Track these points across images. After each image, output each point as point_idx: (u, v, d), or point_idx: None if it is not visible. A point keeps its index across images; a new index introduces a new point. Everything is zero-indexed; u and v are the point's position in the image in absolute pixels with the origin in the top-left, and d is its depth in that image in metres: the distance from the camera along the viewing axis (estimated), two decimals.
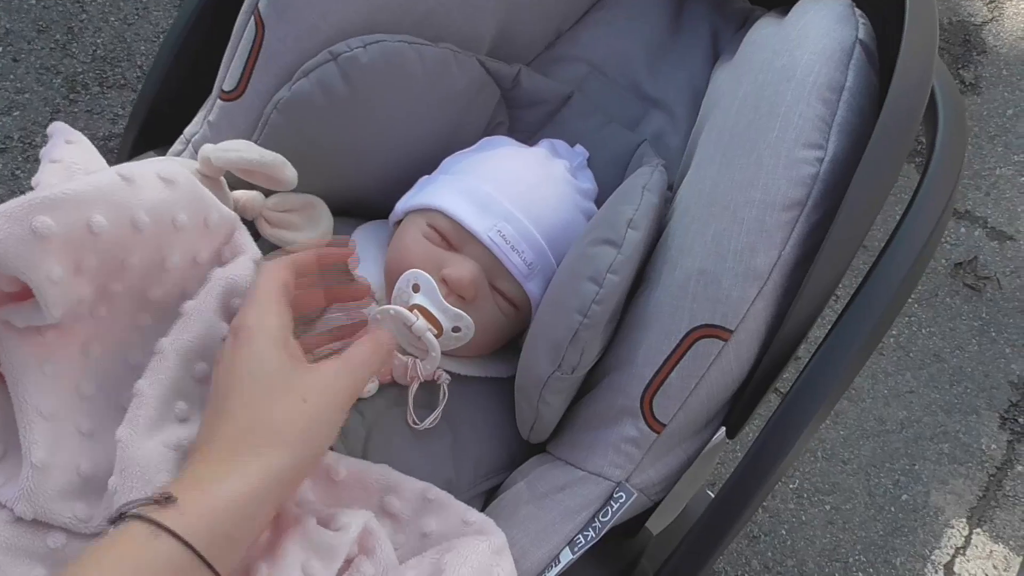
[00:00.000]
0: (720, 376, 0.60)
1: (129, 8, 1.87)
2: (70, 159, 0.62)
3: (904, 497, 1.42)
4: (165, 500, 0.45)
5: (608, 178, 0.80)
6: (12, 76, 1.74)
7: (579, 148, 0.81)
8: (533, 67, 0.88)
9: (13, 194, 1.64)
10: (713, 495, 0.89)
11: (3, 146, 1.66)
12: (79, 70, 1.77)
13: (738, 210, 0.59)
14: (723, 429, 0.64)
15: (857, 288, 0.59)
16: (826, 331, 0.59)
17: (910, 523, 1.40)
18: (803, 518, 1.41)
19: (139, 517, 0.44)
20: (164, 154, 0.78)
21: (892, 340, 1.57)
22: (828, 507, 1.42)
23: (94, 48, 1.81)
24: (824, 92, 0.58)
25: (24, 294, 0.53)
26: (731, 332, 0.59)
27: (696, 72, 0.87)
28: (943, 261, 1.64)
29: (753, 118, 0.60)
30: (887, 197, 0.57)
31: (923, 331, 1.57)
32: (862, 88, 0.59)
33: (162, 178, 0.57)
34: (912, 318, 1.59)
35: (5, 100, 1.71)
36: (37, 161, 1.70)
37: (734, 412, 0.63)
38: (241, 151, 0.67)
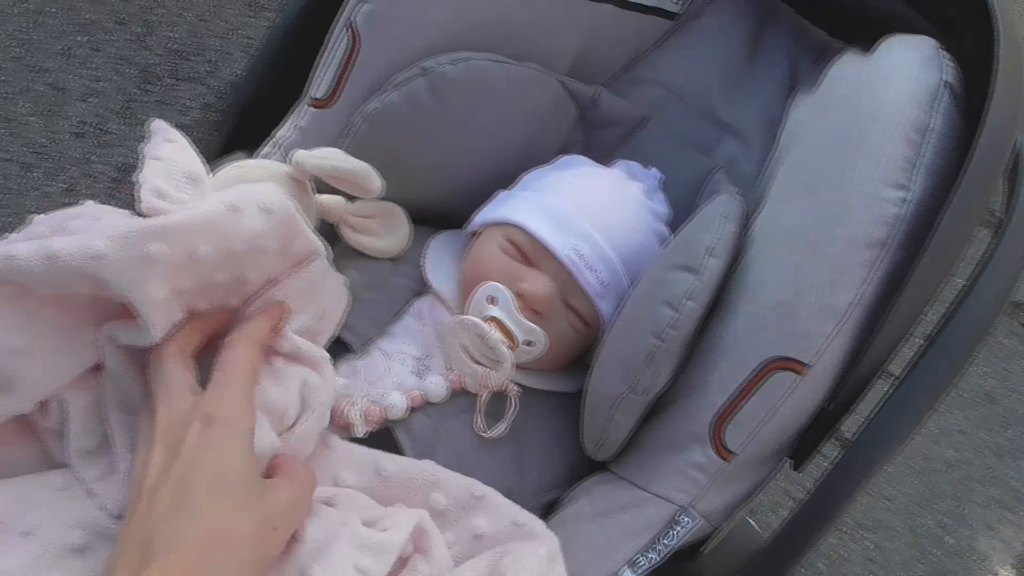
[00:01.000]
0: (792, 409, 0.61)
1: (204, 5, 1.92)
2: (171, 158, 0.65)
3: (949, 540, 1.40)
4: None
5: (680, 202, 0.81)
6: (91, 65, 1.80)
7: (654, 171, 0.83)
8: (610, 88, 0.90)
9: (85, 176, 1.70)
10: (753, 523, 0.89)
11: (79, 131, 1.72)
12: (153, 62, 1.83)
13: (820, 245, 0.59)
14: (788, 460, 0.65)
15: (930, 336, 0.58)
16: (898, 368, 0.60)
17: (953, 567, 1.38)
18: (843, 553, 1.39)
19: None
20: (252, 154, 0.80)
21: None
22: (869, 544, 1.40)
23: (168, 42, 1.87)
24: (910, 133, 0.59)
25: (123, 313, 0.54)
26: (807, 366, 0.59)
27: (771, 100, 0.88)
28: None
29: (837, 155, 0.61)
30: (969, 243, 0.57)
31: (977, 371, 1.55)
32: (947, 131, 0.60)
33: (262, 208, 0.59)
34: None
35: (83, 87, 1.77)
36: (110, 146, 1.76)
37: (802, 444, 0.64)
38: (334, 159, 0.70)
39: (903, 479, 1.45)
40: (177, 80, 1.83)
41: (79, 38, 1.83)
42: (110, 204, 0.67)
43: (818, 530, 0.57)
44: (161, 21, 1.88)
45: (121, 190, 1.72)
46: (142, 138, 0.77)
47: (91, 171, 1.70)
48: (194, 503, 0.45)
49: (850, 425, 0.99)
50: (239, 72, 1.83)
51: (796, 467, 0.65)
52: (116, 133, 1.74)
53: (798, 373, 0.60)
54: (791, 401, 0.61)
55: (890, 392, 0.58)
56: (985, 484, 1.45)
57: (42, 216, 0.55)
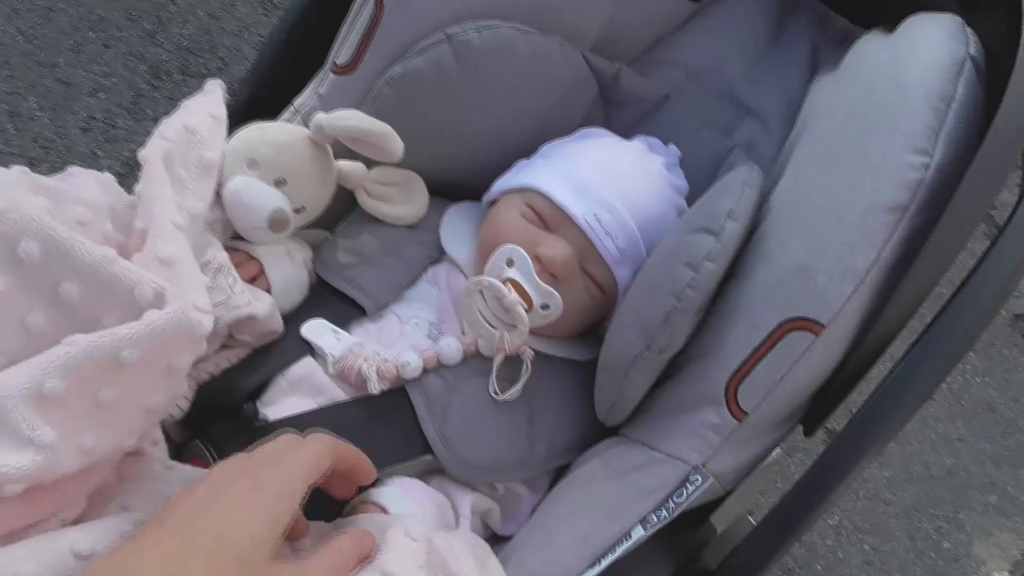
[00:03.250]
0: (806, 371, 0.61)
1: (216, 3, 1.94)
2: (201, 135, 0.70)
3: (946, 544, 1.41)
4: None
5: (698, 180, 0.82)
6: (101, 60, 1.81)
7: (672, 147, 0.83)
8: (632, 67, 0.91)
9: None
10: (753, 520, 0.90)
11: (87, 126, 1.73)
12: (164, 58, 1.84)
13: (841, 209, 0.60)
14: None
15: (927, 326, 0.58)
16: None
17: (950, 572, 1.38)
18: (840, 556, 1.39)
19: None
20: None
21: (944, 387, 1.56)
22: (867, 547, 1.40)
23: (180, 38, 1.88)
24: (934, 101, 0.60)
25: None
26: (823, 327, 0.60)
27: (793, 84, 0.89)
28: (1003, 312, 1.63)
29: (861, 123, 0.62)
30: (987, 211, 0.58)
31: (977, 380, 1.56)
32: (970, 102, 0.61)
33: None
34: (967, 366, 1.58)
35: (92, 83, 1.78)
36: (117, 142, 1.75)
37: (813, 410, 0.64)
38: (355, 120, 0.71)
39: (902, 484, 1.45)
40: (187, 77, 1.84)
41: (90, 34, 1.84)
42: None
43: (802, 520, 0.57)
44: (173, 18, 1.90)
45: (127, 185, 1.72)
46: (150, 134, 0.77)
47: (97, 166, 1.69)
48: (189, 564, 0.44)
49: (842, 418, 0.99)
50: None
51: (807, 432, 0.65)
52: (124, 128, 1.74)
53: (814, 334, 0.60)
54: (806, 362, 0.61)
55: (878, 387, 0.58)
56: (983, 491, 1.45)
57: None
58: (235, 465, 0.51)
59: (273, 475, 0.50)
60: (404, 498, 0.64)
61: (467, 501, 0.68)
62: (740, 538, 0.62)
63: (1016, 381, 1.56)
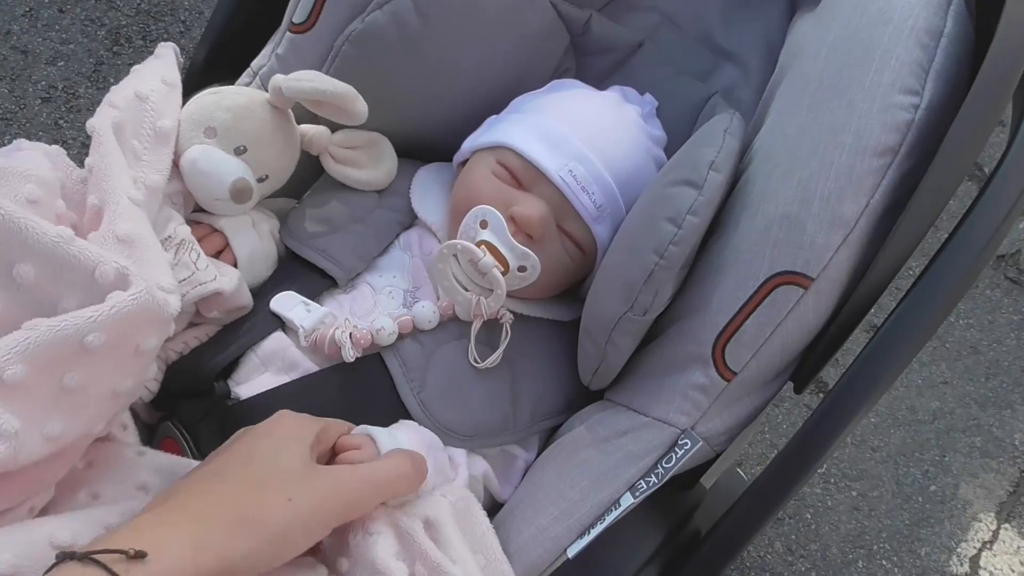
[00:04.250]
0: (796, 326, 0.59)
1: None
2: (154, 102, 0.67)
3: (932, 488, 1.41)
4: (136, 555, 0.43)
5: (677, 129, 0.79)
6: (58, 27, 1.74)
7: (648, 96, 0.80)
8: (604, 14, 0.87)
9: (55, 143, 1.65)
10: (742, 474, 0.89)
11: (47, 95, 1.67)
12: (123, 23, 1.78)
13: (827, 155, 0.57)
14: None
15: (922, 271, 0.56)
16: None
17: (937, 514, 1.39)
18: (829, 503, 1.40)
19: (106, 569, 0.42)
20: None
21: None
22: (855, 493, 1.41)
23: (139, 2, 1.81)
24: (922, 36, 0.57)
25: None
26: (812, 280, 0.58)
27: (772, 26, 0.85)
28: None
29: (846, 62, 0.59)
30: (981, 150, 0.55)
31: (961, 322, 1.55)
32: (959, 36, 0.58)
33: None
34: None
35: (50, 51, 1.71)
36: (80, 111, 1.69)
37: (804, 366, 0.62)
38: (314, 81, 0.67)
39: (888, 430, 1.46)
40: (148, 42, 1.78)
41: None
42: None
43: (797, 477, 0.56)
44: None
45: None
46: None
47: (62, 136, 1.64)
48: (228, 473, 0.51)
49: (834, 374, 0.97)
50: None
51: (797, 389, 0.64)
52: (86, 98, 1.68)
53: (803, 288, 0.58)
54: (794, 317, 0.59)
55: (869, 341, 0.56)
56: (968, 433, 1.46)
57: None
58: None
59: (280, 422, 0.56)
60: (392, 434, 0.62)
61: (461, 451, 0.67)
62: (732, 498, 0.61)
63: (999, 322, 1.56)
